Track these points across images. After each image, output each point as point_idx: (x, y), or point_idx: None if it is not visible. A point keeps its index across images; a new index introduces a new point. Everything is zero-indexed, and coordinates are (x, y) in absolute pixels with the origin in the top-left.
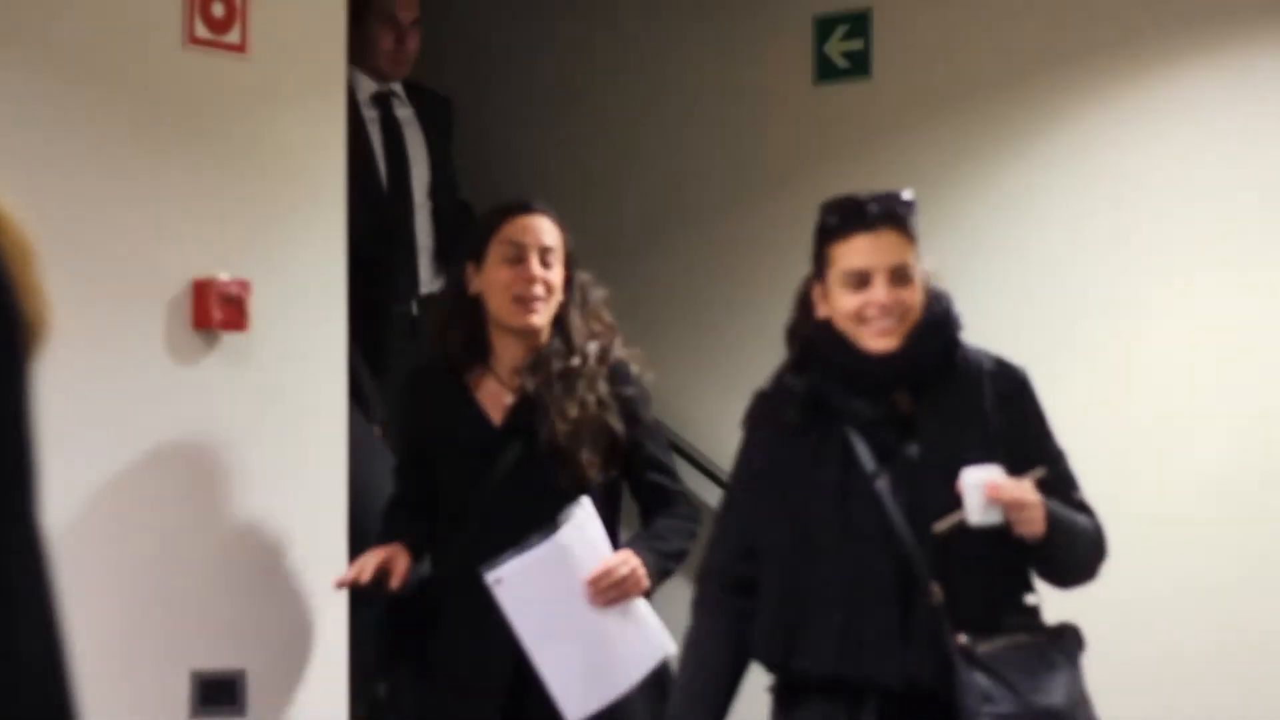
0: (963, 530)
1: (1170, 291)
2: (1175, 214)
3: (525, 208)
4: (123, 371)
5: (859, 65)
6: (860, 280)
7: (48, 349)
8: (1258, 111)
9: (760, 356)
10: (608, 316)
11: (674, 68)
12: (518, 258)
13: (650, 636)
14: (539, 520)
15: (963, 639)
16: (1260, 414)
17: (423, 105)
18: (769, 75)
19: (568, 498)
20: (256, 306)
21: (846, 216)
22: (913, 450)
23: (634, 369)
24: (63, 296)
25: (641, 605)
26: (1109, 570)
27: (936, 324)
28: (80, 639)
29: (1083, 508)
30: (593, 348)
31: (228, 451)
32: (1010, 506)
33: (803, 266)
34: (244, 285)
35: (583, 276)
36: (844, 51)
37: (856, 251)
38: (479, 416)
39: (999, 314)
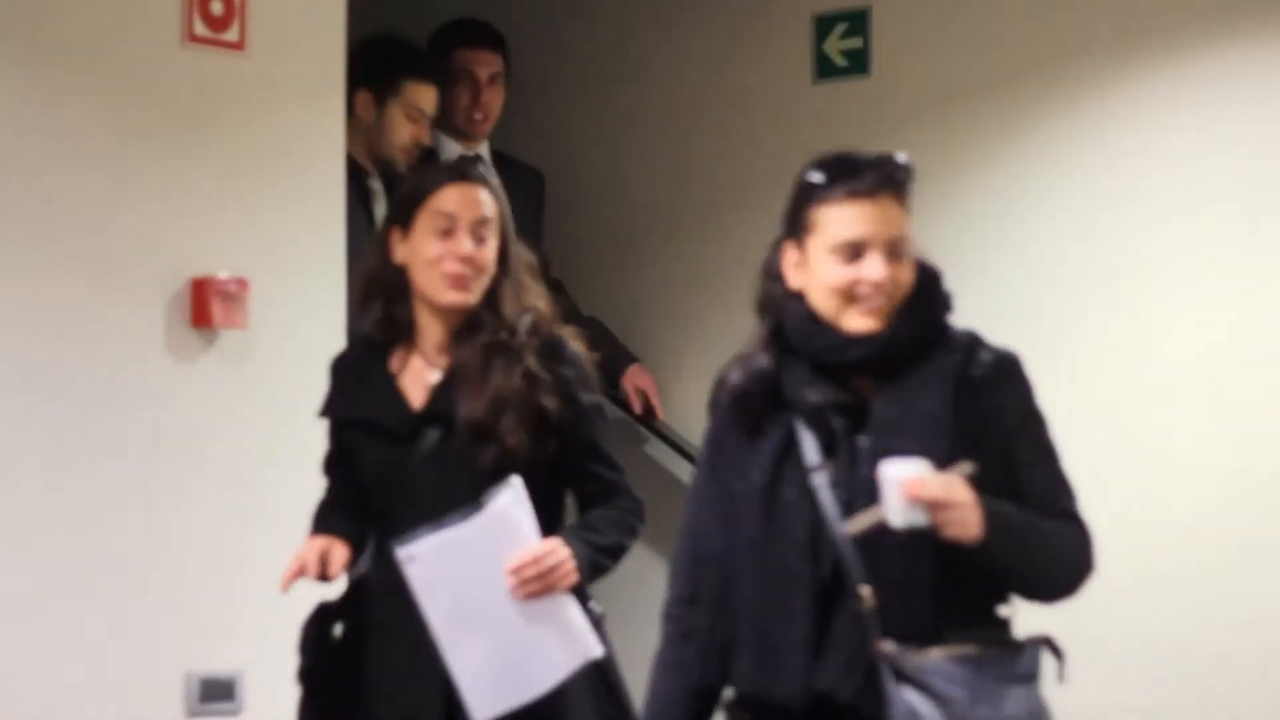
0: (910, 530)
1: (1167, 288)
2: (1174, 212)
3: (460, 175)
4: (122, 369)
5: (858, 63)
6: (854, 252)
7: (47, 348)
8: (1258, 108)
9: None
10: (543, 291)
11: (673, 66)
12: (449, 231)
13: (573, 638)
14: (457, 503)
15: (889, 648)
16: (1257, 410)
17: (510, 175)
18: (768, 74)
19: (495, 480)
20: (255, 304)
21: (843, 176)
22: (863, 441)
23: (575, 349)
24: (61, 294)
25: (568, 602)
26: (1104, 564)
27: (924, 304)
28: (77, 638)
29: (1067, 515)
30: (524, 321)
31: (226, 448)
32: (933, 506)
33: None
34: (242, 283)
35: (518, 248)
36: (843, 50)
37: (854, 219)
38: (397, 399)
39: (998, 310)
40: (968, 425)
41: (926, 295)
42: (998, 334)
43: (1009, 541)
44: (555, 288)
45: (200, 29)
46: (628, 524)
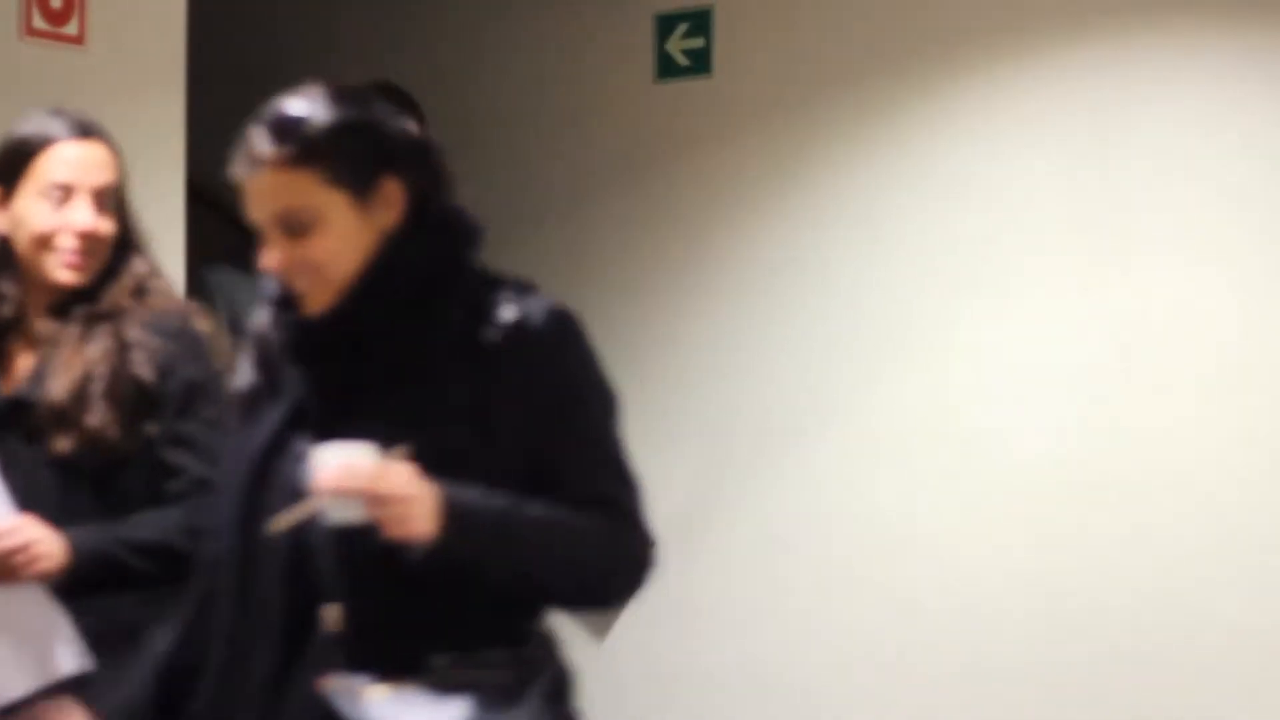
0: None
1: (1017, 286)
2: (1012, 215)
3: (78, 131)
4: None
5: (700, 63)
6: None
7: None
8: (1097, 112)
9: (604, 352)
10: (159, 272)
11: (514, 65)
12: (63, 200)
13: (42, 646)
14: (44, 505)
15: (333, 684)
16: (1080, 415)
17: None
18: (610, 72)
19: (80, 472)
20: None
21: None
22: (349, 432)
23: (198, 325)
24: None
25: (40, 598)
26: (928, 564)
27: (389, 273)
28: None
29: (604, 504)
30: (129, 285)
31: None
32: (369, 501)
33: (645, 261)
34: None
35: (134, 218)
36: (685, 49)
37: (248, 201)
38: None
39: (832, 313)
40: (489, 403)
41: (394, 262)
42: (840, 335)
43: (481, 540)
44: None
45: (39, 23)
46: (192, 525)
